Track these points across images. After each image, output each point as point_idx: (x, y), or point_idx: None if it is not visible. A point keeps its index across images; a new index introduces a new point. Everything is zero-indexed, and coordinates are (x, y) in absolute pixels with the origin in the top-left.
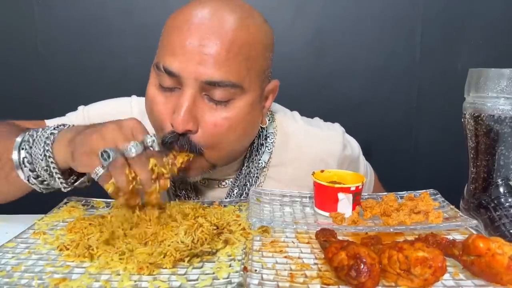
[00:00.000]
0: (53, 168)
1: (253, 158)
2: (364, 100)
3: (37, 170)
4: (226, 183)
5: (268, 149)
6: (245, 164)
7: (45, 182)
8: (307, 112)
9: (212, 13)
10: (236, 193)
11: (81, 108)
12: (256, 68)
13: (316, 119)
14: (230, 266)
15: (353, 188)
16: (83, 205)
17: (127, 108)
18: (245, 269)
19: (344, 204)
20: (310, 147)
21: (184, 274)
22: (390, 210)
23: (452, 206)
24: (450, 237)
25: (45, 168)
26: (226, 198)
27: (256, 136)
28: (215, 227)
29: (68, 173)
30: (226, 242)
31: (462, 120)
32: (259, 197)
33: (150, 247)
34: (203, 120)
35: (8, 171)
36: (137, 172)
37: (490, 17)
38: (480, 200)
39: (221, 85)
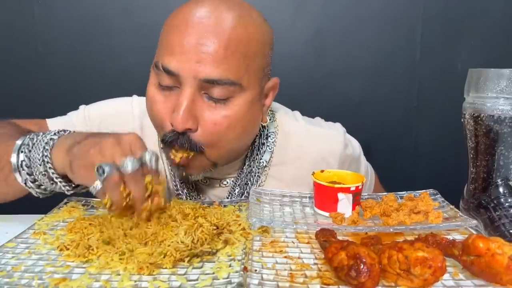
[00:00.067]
0: (52, 173)
1: (254, 157)
2: (364, 100)
3: (34, 174)
4: (227, 182)
5: (269, 149)
6: (247, 163)
7: (42, 187)
8: (307, 112)
9: (210, 11)
10: (238, 192)
11: (82, 107)
12: (254, 66)
13: (318, 118)
14: (230, 266)
15: (353, 188)
16: (83, 205)
17: (128, 108)
18: (245, 269)
19: (344, 204)
20: (311, 147)
21: (184, 274)
22: (390, 210)
23: (452, 206)
24: (450, 237)
25: (43, 173)
26: (227, 197)
27: (257, 135)
28: (215, 227)
29: (67, 177)
30: (226, 242)
31: (462, 120)
32: (259, 197)
33: (150, 247)
34: (202, 118)
35: (7, 173)
36: (131, 189)
37: (490, 17)
38: (480, 200)
39: (219, 83)
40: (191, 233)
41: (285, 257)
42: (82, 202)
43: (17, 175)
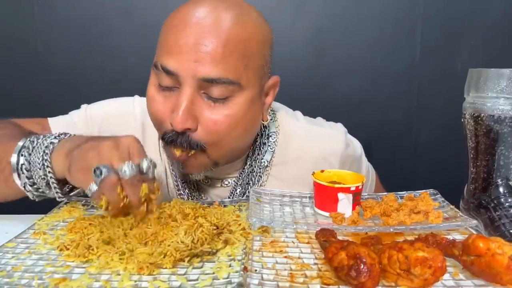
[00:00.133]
0: (51, 177)
1: (255, 157)
2: (364, 100)
3: (34, 177)
4: (229, 182)
5: (271, 148)
6: (248, 163)
7: (40, 190)
8: (308, 112)
9: (208, 11)
10: (239, 192)
11: (84, 106)
12: (253, 64)
13: (319, 118)
14: (230, 266)
15: (353, 188)
16: (83, 205)
17: (129, 108)
18: (245, 269)
19: (344, 204)
20: (312, 146)
21: (184, 274)
22: (390, 210)
23: (452, 206)
24: (450, 237)
25: (42, 176)
26: (229, 197)
27: (258, 135)
28: (215, 227)
29: (63, 182)
30: (226, 242)
31: (462, 120)
32: (259, 197)
33: (150, 247)
34: (202, 118)
35: (8, 175)
36: (128, 194)
37: (490, 17)
38: (480, 200)
39: (218, 82)
40: (191, 233)
41: (285, 257)
42: (82, 202)
43: (15, 177)
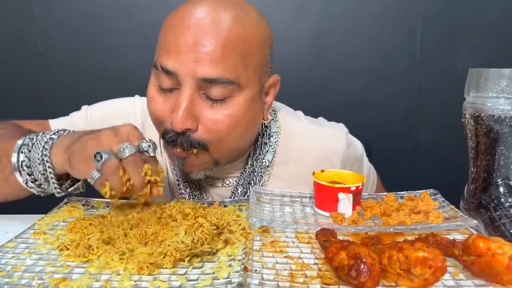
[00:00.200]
0: (50, 173)
1: (257, 157)
2: (364, 100)
3: (34, 174)
4: (230, 182)
5: (272, 148)
6: (249, 163)
7: (42, 186)
8: (308, 112)
9: (207, 11)
10: (241, 191)
11: (84, 107)
12: (253, 64)
13: (320, 118)
14: (230, 266)
15: (353, 188)
16: (83, 205)
17: (130, 108)
18: (245, 269)
19: (344, 204)
20: (314, 146)
21: (184, 274)
22: (390, 210)
23: (452, 206)
24: (450, 237)
25: (42, 172)
26: (230, 197)
27: (260, 135)
28: (215, 227)
29: (64, 177)
30: (226, 242)
31: (462, 120)
32: (259, 197)
33: (150, 247)
34: (202, 117)
35: (8, 174)
36: (130, 174)
37: (490, 17)
38: (480, 200)
39: (218, 82)
40: (191, 233)
41: (286, 257)
42: (82, 202)
43: (17, 175)
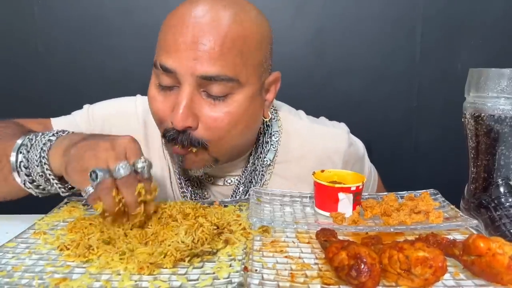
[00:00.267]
0: (49, 174)
1: (258, 156)
2: (364, 100)
3: (32, 175)
4: (231, 181)
5: (273, 147)
6: (251, 162)
7: (41, 187)
8: (308, 111)
9: (206, 10)
10: (242, 190)
11: (86, 106)
12: (252, 61)
13: (322, 118)
14: (230, 266)
15: (353, 188)
16: (83, 205)
17: (131, 108)
18: (245, 269)
19: (345, 204)
20: (316, 145)
21: (185, 274)
22: (390, 210)
23: (452, 206)
24: (450, 237)
25: (40, 173)
26: (232, 196)
27: (261, 134)
28: (215, 227)
29: (64, 178)
30: (226, 242)
31: (463, 120)
32: (260, 197)
33: (151, 247)
34: (202, 115)
35: (7, 173)
36: (124, 194)
37: (490, 17)
38: (480, 200)
39: (217, 80)
40: (192, 233)
41: (286, 257)
42: (83, 202)
43: (15, 175)
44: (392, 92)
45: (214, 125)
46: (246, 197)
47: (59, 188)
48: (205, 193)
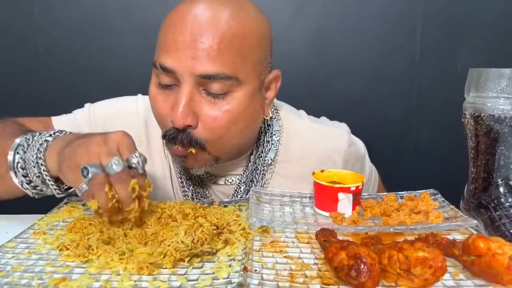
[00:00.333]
0: (46, 175)
1: (259, 155)
2: (364, 100)
3: (29, 176)
4: (233, 180)
5: (274, 146)
6: (251, 161)
7: (38, 188)
8: (308, 111)
9: (204, 9)
10: (243, 189)
11: (87, 105)
12: (251, 59)
13: (323, 118)
14: (230, 266)
15: (353, 188)
16: (83, 205)
17: (132, 107)
18: (245, 269)
19: (344, 204)
20: (316, 144)
21: (184, 274)
22: (390, 210)
23: (452, 206)
24: (450, 237)
25: (37, 174)
26: (233, 195)
27: (262, 133)
28: (215, 227)
29: (60, 180)
30: (226, 242)
31: (462, 120)
32: (259, 197)
33: (150, 247)
34: (202, 114)
35: (4, 173)
36: (117, 190)
37: (490, 17)
38: (480, 200)
39: (216, 78)
40: (191, 233)
41: (285, 257)
42: (82, 202)
43: (12, 175)
44: (392, 92)
45: (213, 124)
46: (247, 196)
47: (55, 189)
48: (207, 192)
